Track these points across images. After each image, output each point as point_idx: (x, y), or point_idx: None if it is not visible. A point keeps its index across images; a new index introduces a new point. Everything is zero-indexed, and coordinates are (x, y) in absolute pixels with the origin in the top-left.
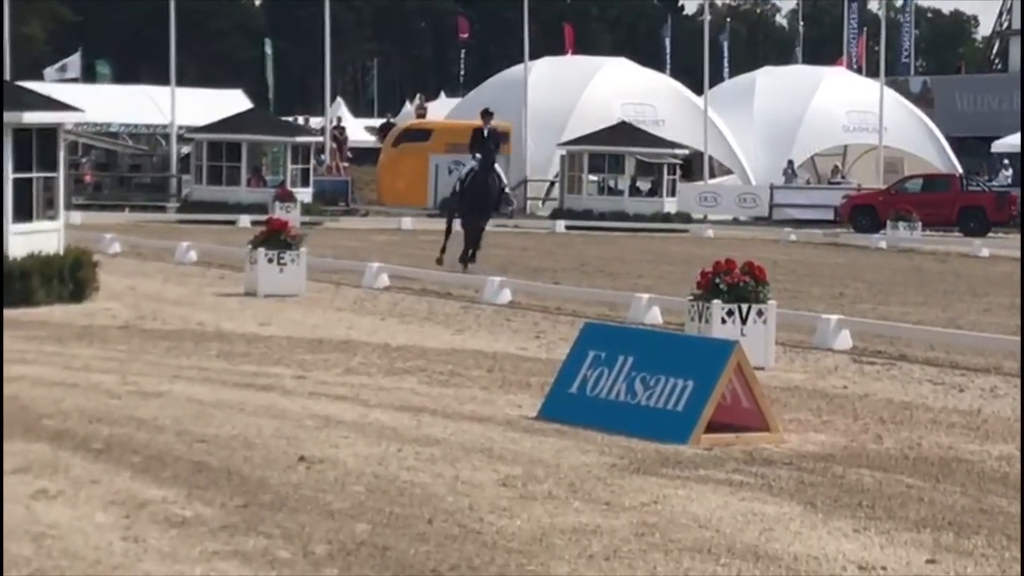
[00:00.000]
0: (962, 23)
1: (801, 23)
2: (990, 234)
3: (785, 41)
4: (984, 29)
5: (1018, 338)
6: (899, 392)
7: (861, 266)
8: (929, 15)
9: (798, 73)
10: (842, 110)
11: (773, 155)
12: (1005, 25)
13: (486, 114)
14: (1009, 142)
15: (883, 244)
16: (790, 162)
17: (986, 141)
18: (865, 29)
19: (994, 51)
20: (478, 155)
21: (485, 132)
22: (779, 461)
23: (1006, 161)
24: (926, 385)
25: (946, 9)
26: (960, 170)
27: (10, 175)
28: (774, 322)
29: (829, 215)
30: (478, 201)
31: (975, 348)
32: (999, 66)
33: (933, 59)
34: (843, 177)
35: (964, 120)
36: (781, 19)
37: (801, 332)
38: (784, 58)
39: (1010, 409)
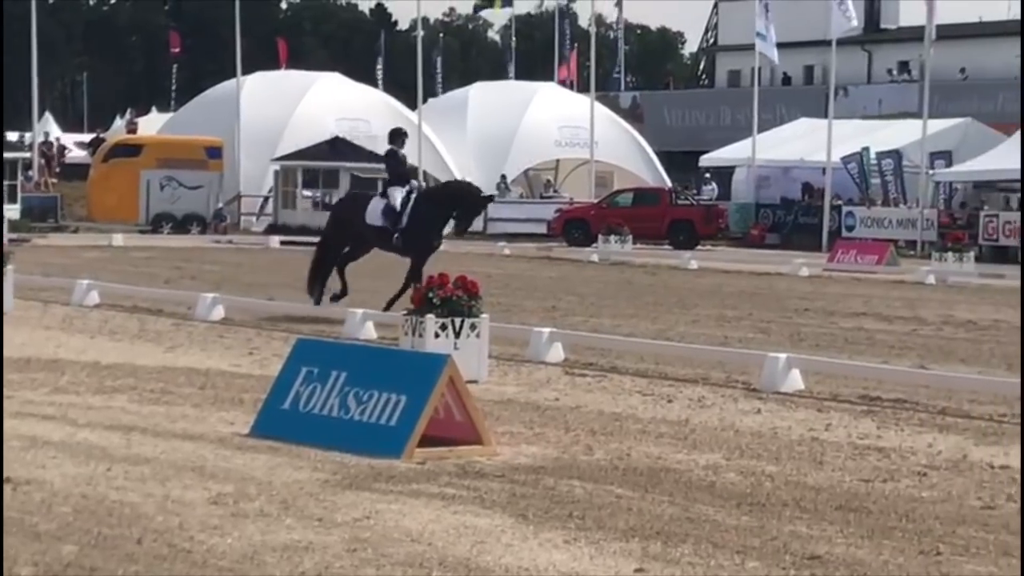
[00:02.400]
0: (670, 39)
1: (514, 39)
2: (699, 247)
3: (498, 56)
4: (691, 46)
5: (724, 349)
6: (610, 403)
7: (573, 279)
8: (639, 31)
9: (511, 88)
10: (554, 125)
11: (487, 169)
12: (711, 41)
13: (401, 134)
14: (715, 156)
15: (595, 257)
16: (503, 176)
17: (694, 155)
18: (576, 45)
19: (701, 67)
20: (413, 182)
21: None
22: (491, 474)
23: (707, 175)
24: (636, 396)
25: (654, 25)
26: (669, 184)
27: None
28: (487, 336)
29: (542, 229)
30: (425, 232)
31: (684, 359)
32: (706, 82)
33: (643, 75)
34: (555, 191)
35: (672, 135)
36: (494, 34)
37: (514, 345)
38: (497, 73)
39: (717, 419)
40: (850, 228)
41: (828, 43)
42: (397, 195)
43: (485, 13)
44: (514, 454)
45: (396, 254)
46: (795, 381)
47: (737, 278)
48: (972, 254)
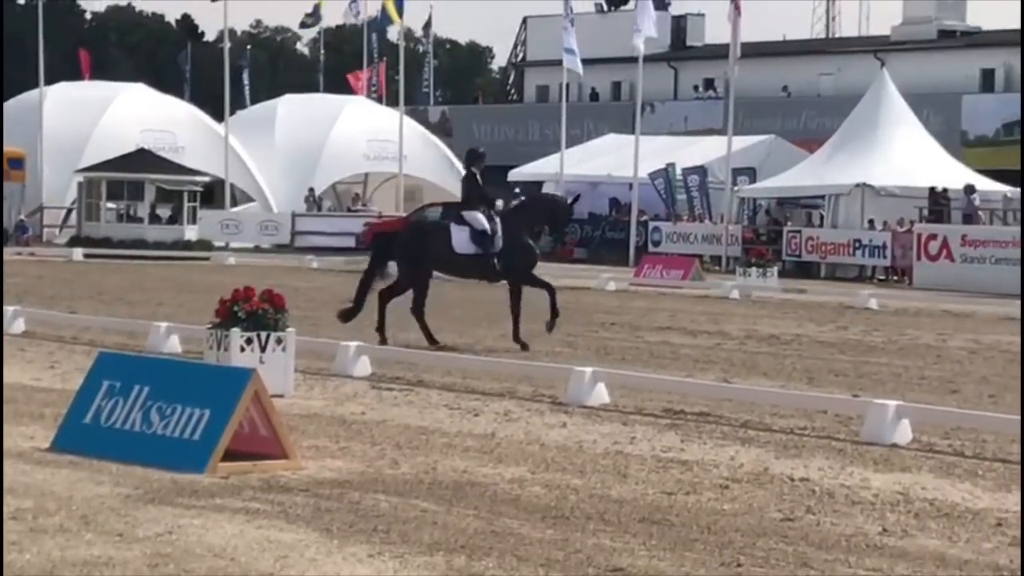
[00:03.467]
0: (479, 54)
1: (322, 52)
2: None
3: (306, 69)
4: (500, 60)
5: (530, 363)
6: (416, 417)
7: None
8: (447, 46)
9: (319, 102)
10: (363, 138)
11: (295, 182)
12: (520, 56)
13: (480, 156)
14: (524, 171)
15: None
16: (311, 190)
17: (502, 170)
18: (385, 58)
19: (510, 82)
20: (498, 203)
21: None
22: (296, 488)
23: (516, 190)
24: (443, 410)
25: (463, 40)
26: None
27: None
28: (294, 350)
29: (351, 242)
30: (528, 248)
31: (491, 373)
32: (515, 97)
33: (452, 89)
34: (364, 205)
35: None
36: (302, 47)
37: (322, 359)
38: (306, 86)
39: (523, 433)
40: (656, 243)
41: (635, 59)
42: (482, 219)
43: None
44: (319, 468)
45: (487, 280)
46: (601, 395)
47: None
48: (775, 269)
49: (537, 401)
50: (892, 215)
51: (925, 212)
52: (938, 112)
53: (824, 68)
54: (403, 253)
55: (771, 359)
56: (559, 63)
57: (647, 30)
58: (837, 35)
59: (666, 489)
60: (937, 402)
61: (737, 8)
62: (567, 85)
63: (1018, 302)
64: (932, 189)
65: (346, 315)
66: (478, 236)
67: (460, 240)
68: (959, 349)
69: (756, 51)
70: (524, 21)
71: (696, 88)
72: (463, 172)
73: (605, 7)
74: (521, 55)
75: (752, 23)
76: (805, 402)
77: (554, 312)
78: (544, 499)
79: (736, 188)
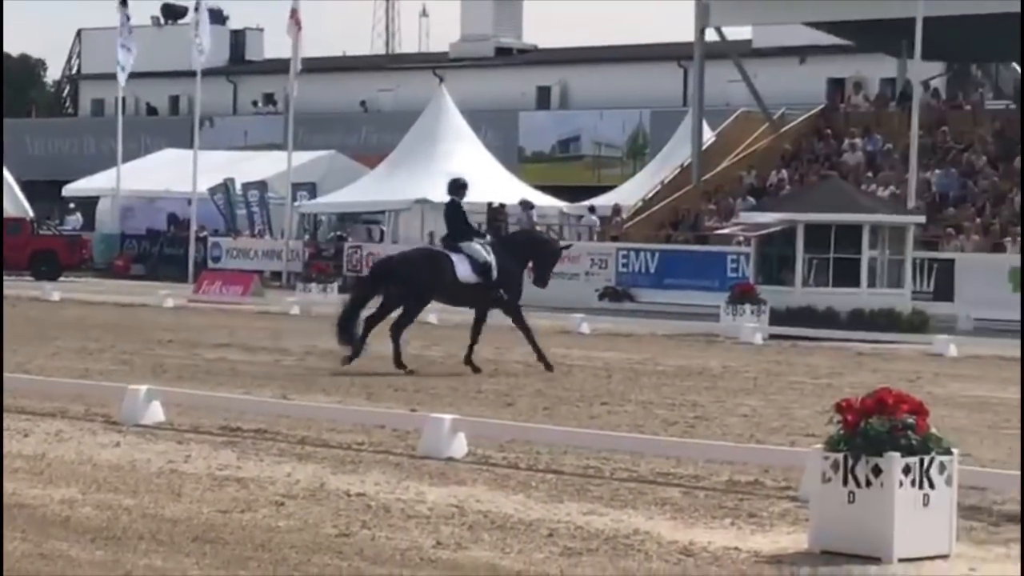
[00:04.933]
0: (31, 67)
1: None
2: (62, 278)
3: None
4: (54, 73)
5: (84, 382)
6: None
7: None
8: None
9: None
10: None
11: None
12: (75, 70)
13: (462, 186)
14: (79, 186)
15: None
16: None
17: (57, 185)
18: None
19: (64, 95)
20: (486, 235)
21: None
22: None
23: (72, 206)
24: None
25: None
26: (31, 214)
27: None
28: None
29: None
30: (517, 281)
31: (42, 392)
32: (70, 110)
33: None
34: None
35: (35, 164)
36: None
37: None
38: None
39: (75, 453)
40: (216, 259)
41: (193, 74)
42: (479, 249)
43: None
44: None
45: (483, 309)
46: (156, 413)
47: (101, 310)
48: (336, 284)
49: (90, 420)
50: None
51: (484, 227)
52: (496, 128)
53: (384, 84)
54: (407, 278)
55: (330, 375)
56: (115, 76)
57: (205, 44)
58: (397, 51)
59: (221, 507)
60: (493, 415)
61: (297, 23)
62: (123, 99)
63: (574, 315)
64: (490, 204)
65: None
66: (479, 267)
67: (463, 269)
68: (516, 363)
69: (316, 66)
70: (78, 33)
71: (255, 103)
72: (446, 201)
73: (162, 20)
74: (76, 68)
75: (312, 38)
76: (363, 417)
77: (538, 353)
78: (95, 520)
79: (297, 203)
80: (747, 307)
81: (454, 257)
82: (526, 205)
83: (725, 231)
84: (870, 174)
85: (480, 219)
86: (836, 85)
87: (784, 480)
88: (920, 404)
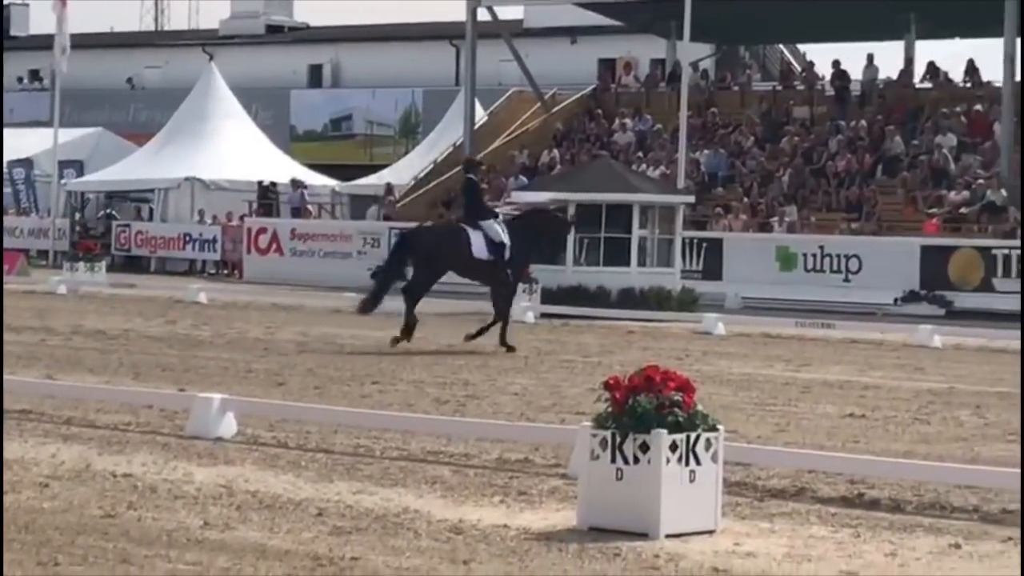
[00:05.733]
0: None
1: None
2: None
3: None
4: None
5: None
6: None
7: None
8: None
9: None
10: None
11: None
12: None
13: (478, 164)
14: None
15: None
16: None
17: None
18: None
19: None
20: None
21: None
22: None
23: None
24: None
25: None
26: None
27: None
28: None
29: None
30: (525, 261)
31: None
32: None
33: None
34: None
35: None
36: None
37: None
38: None
39: None
40: None
41: None
42: (496, 228)
43: None
44: None
45: (491, 286)
46: None
47: None
48: (104, 264)
49: None
50: (222, 209)
51: (255, 206)
52: (267, 106)
53: (152, 61)
54: (424, 252)
55: (97, 355)
56: None
57: None
58: (166, 28)
59: None
60: (263, 395)
61: None
62: None
63: (346, 294)
64: (260, 183)
65: (365, 306)
66: (494, 246)
67: (478, 246)
68: (287, 342)
69: (84, 42)
70: None
71: (21, 80)
72: (465, 179)
73: None
74: None
75: (79, 14)
76: (130, 397)
77: (486, 330)
78: None
79: (64, 182)
80: (519, 286)
81: (472, 234)
82: (297, 184)
83: (497, 210)
84: (640, 154)
85: (250, 197)
86: (607, 66)
87: (554, 458)
88: (687, 381)
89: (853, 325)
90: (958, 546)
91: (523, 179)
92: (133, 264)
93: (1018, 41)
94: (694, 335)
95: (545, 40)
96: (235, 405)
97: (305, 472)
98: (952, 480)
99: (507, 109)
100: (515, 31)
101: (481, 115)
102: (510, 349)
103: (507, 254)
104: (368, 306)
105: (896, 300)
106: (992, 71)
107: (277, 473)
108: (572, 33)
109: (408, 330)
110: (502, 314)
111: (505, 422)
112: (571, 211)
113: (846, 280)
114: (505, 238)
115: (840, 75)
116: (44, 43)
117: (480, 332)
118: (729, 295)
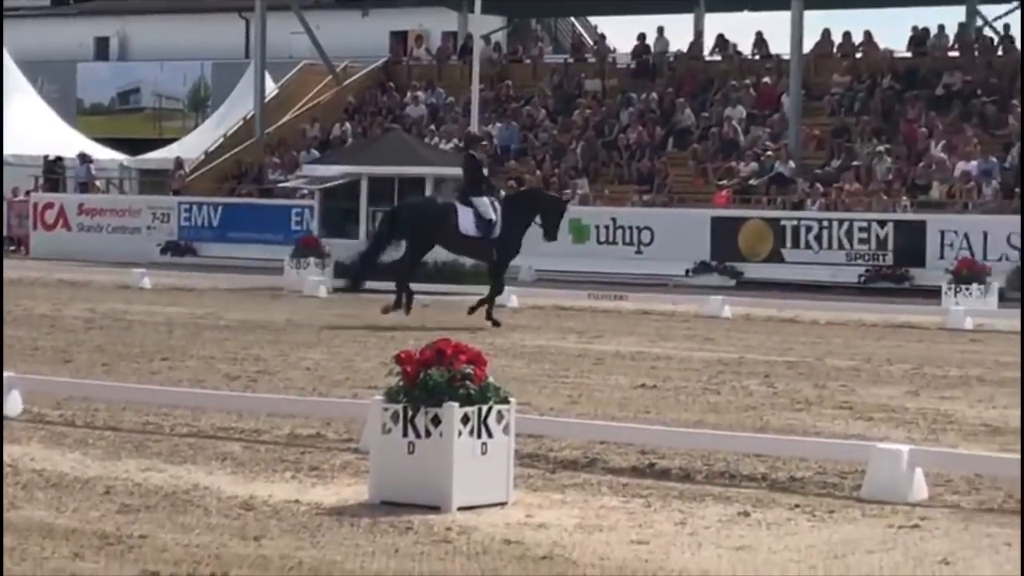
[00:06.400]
0: None
1: None
2: None
3: None
4: None
5: None
6: None
7: None
8: None
9: None
10: None
11: None
12: None
13: (479, 139)
14: None
15: None
16: None
17: None
18: None
19: None
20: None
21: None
22: None
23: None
24: None
25: None
26: None
27: None
28: None
29: None
30: (516, 240)
31: None
32: None
33: None
34: None
35: None
36: None
37: None
38: None
39: None
40: None
41: None
42: (487, 205)
43: None
44: None
45: (481, 261)
46: None
47: None
48: None
49: None
50: (8, 184)
51: (41, 181)
52: (53, 79)
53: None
54: (412, 227)
55: None
56: None
57: None
58: None
59: None
60: (50, 372)
61: None
62: None
63: (135, 270)
64: (46, 157)
65: (355, 282)
66: (483, 222)
67: (466, 221)
68: (74, 319)
69: None
70: None
71: None
72: (465, 154)
73: None
74: None
75: None
76: None
77: (479, 306)
78: None
79: None
80: (311, 260)
81: (460, 209)
82: (84, 158)
83: (289, 184)
84: (433, 127)
85: (36, 172)
86: (398, 38)
87: (346, 432)
88: (478, 354)
89: (645, 296)
90: (747, 514)
91: (315, 153)
92: None
93: (805, 14)
94: None
95: (336, 12)
96: (20, 383)
97: (92, 450)
98: (741, 449)
99: (298, 82)
100: (305, 3)
101: (272, 88)
102: (496, 324)
103: (495, 232)
104: (358, 282)
105: (687, 271)
106: (780, 44)
107: (64, 451)
108: (363, 5)
109: (404, 304)
110: (492, 292)
111: (296, 397)
112: (567, 192)
113: (638, 252)
114: (495, 216)
115: (645, 49)
116: None
117: (480, 305)
118: (523, 268)
